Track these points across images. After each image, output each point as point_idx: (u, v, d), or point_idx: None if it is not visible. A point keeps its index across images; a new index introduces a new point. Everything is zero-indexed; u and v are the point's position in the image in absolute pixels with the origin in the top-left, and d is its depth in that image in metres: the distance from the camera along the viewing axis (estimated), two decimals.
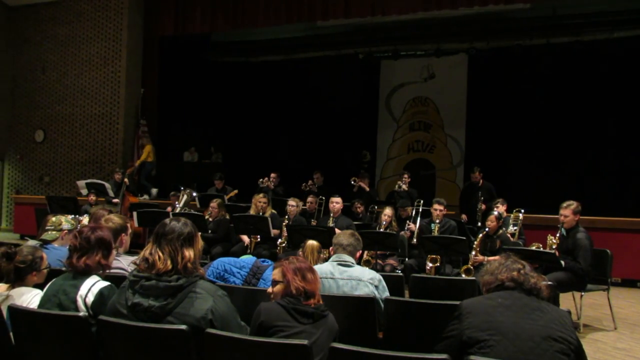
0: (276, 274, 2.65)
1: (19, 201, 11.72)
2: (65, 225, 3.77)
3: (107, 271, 2.78)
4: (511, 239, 6.36)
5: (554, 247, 5.38)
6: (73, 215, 4.70)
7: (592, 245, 5.26)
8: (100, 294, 2.54)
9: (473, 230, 7.33)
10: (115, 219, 3.38)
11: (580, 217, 5.44)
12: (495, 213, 6.34)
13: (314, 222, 7.39)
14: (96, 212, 3.91)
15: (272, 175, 9.40)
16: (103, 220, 3.37)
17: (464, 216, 8.42)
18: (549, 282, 2.41)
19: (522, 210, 6.85)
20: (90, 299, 2.52)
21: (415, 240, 6.79)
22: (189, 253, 2.42)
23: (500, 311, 2.22)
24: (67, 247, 2.75)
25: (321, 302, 2.58)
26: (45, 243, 3.68)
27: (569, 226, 5.37)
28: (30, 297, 2.77)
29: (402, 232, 6.92)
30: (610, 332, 5.29)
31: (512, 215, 6.82)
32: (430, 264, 6.02)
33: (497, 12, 10.91)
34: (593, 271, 5.34)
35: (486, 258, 5.89)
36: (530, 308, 2.23)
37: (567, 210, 5.35)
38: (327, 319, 2.52)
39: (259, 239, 7.01)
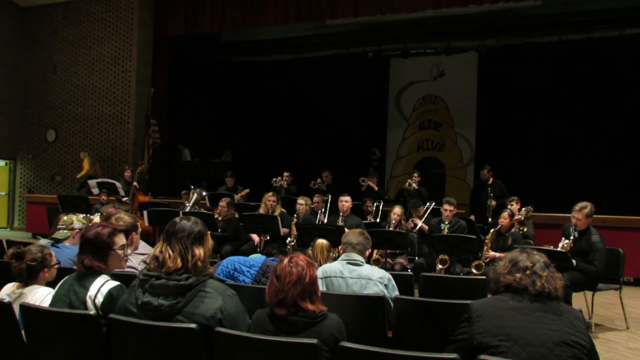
0: None
1: (31, 200, 11.83)
2: (77, 224, 3.80)
3: (114, 270, 2.79)
4: (522, 230, 6.36)
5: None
6: (85, 215, 4.73)
7: (605, 248, 5.22)
8: (110, 295, 2.54)
9: (483, 229, 7.29)
10: (125, 218, 3.40)
11: (594, 216, 5.39)
12: (508, 211, 6.31)
13: (321, 218, 7.38)
14: (108, 212, 3.93)
15: (285, 174, 9.42)
16: (113, 219, 3.39)
17: (472, 217, 8.37)
18: (563, 284, 2.31)
19: (532, 207, 6.85)
20: (99, 299, 2.53)
21: (416, 230, 6.83)
22: (199, 251, 2.43)
23: (512, 315, 2.17)
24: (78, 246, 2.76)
25: (313, 307, 2.36)
26: (57, 242, 3.71)
27: (581, 228, 5.33)
28: (42, 296, 2.79)
29: (407, 223, 6.93)
30: (622, 332, 5.24)
31: (522, 211, 6.79)
32: (440, 266, 5.99)
33: (507, 10, 10.82)
34: (605, 270, 5.30)
35: (497, 254, 5.87)
36: (543, 311, 2.17)
37: (580, 214, 5.29)
38: (319, 326, 2.32)
39: (268, 238, 7.03)
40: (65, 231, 3.77)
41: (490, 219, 7.91)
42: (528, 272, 2.26)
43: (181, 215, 2.49)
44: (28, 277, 2.89)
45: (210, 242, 2.55)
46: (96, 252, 2.64)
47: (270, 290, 2.38)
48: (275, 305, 2.35)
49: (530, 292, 2.22)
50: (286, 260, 2.42)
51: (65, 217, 3.86)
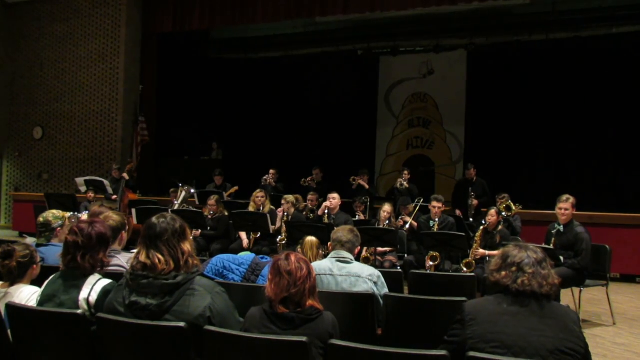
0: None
1: (17, 198, 11.70)
2: (56, 223, 3.71)
3: (106, 268, 2.77)
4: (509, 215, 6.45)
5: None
6: (72, 213, 4.65)
7: (590, 240, 5.28)
8: (105, 292, 2.52)
9: (472, 226, 7.34)
10: (114, 217, 3.36)
11: (580, 213, 5.45)
12: (495, 208, 6.34)
13: (306, 214, 7.37)
14: (94, 210, 3.87)
15: (271, 171, 9.42)
16: (102, 217, 3.34)
17: (457, 211, 8.40)
18: (555, 282, 2.24)
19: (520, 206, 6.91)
20: (93, 297, 2.51)
21: (406, 228, 6.86)
22: (186, 247, 2.42)
23: (506, 320, 2.12)
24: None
25: (312, 303, 2.39)
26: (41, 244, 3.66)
27: (567, 221, 5.36)
28: (28, 295, 2.75)
29: (396, 221, 6.96)
30: (609, 328, 5.31)
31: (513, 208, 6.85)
32: (431, 262, 6.01)
33: (496, 8, 10.89)
34: (592, 266, 5.35)
35: (487, 252, 5.91)
36: (538, 316, 2.11)
37: (568, 204, 5.34)
38: (315, 323, 2.35)
39: (259, 236, 7.01)
40: (47, 234, 3.69)
41: (471, 219, 7.98)
42: (514, 268, 2.21)
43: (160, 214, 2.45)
44: (18, 275, 2.85)
45: (190, 233, 2.54)
46: (107, 246, 2.71)
47: (277, 287, 2.36)
48: (278, 302, 2.34)
49: (510, 289, 2.17)
50: (292, 257, 2.43)
51: (41, 219, 3.71)
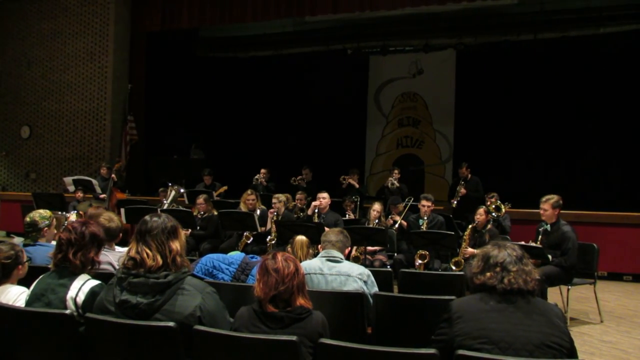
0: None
1: (4, 198, 11.57)
2: (43, 223, 3.69)
3: (97, 267, 2.76)
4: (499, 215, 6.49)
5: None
6: (61, 212, 4.62)
7: (577, 238, 5.33)
8: (92, 293, 2.51)
9: (461, 225, 7.37)
10: (115, 218, 3.40)
11: (567, 212, 5.50)
12: (484, 207, 6.38)
13: (296, 214, 7.35)
14: (95, 212, 3.80)
15: (262, 171, 9.39)
16: (103, 218, 3.35)
17: (453, 201, 8.40)
18: (537, 277, 2.27)
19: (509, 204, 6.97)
20: (81, 298, 2.50)
21: (396, 227, 6.87)
22: (175, 245, 2.42)
23: (493, 317, 2.15)
24: (55, 241, 2.71)
25: (302, 302, 2.39)
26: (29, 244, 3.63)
27: (550, 220, 5.43)
28: (15, 295, 2.73)
29: (386, 220, 6.97)
30: (596, 325, 5.36)
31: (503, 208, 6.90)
32: (420, 261, 6.04)
33: (484, 8, 10.95)
34: (580, 265, 5.41)
35: (476, 251, 5.93)
36: (523, 312, 2.15)
37: (546, 205, 5.42)
38: (305, 322, 2.34)
39: (250, 241, 6.90)
40: (34, 235, 3.66)
41: (455, 202, 8.05)
42: (498, 269, 2.23)
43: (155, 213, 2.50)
44: (3, 276, 2.82)
45: (183, 235, 2.55)
46: (99, 246, 2.72)
47: (266, 285, 2.36)
48: (267, 301, 2.34)
49: (497, 289, 2.19)
50: (279, 255, 2.44)
51: (28, 219, 3.69)
